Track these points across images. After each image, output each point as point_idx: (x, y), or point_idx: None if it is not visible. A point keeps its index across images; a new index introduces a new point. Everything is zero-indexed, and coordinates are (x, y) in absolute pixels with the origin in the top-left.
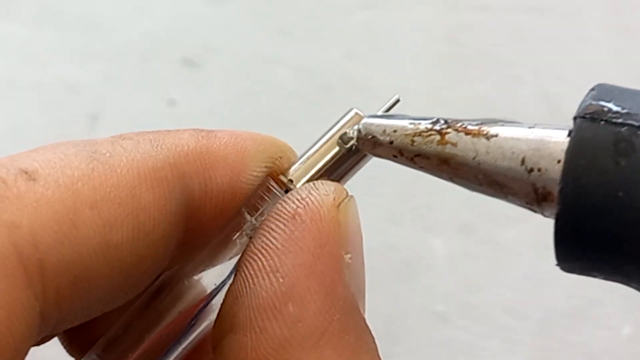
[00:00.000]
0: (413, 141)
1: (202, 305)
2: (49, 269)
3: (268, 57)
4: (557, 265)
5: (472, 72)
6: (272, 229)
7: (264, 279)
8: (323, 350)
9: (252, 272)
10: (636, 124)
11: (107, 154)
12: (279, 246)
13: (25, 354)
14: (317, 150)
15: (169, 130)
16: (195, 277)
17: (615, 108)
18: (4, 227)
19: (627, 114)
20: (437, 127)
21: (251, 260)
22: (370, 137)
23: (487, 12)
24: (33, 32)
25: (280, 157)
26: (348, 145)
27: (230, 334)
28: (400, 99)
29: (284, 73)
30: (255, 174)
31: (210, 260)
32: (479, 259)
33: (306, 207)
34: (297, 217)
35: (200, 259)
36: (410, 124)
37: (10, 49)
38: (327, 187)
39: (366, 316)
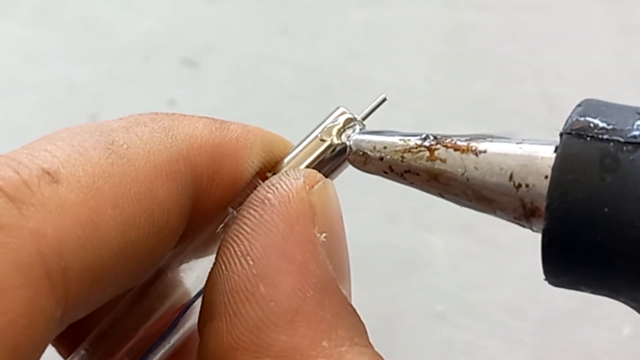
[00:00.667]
0: (403, 157)
1: (188, 300)
2: (72, 275)
3: (268, 57)
4: (545, 279)
5: (472, 71)
6: (244, 216)
7: (235, 264)
8: (297, 327)
9: (225, 258)
10: (621, 139)
11: (125, 146)
12: (249, 231)
13: (40, 356)
14: (304, 148)
15: (184, 116)
16: (182, 273)
17: (601, 124)
18: (29, 236)
19: (613, 129)
20: (426, 144)
21: (224, 248)
22: (361, 153)
23: (487, 11)
24: (33, 32)
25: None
26: (328, 143)
27: (208, 322)
28: (387, 97)
29: (284, 72)
30: (251, 170)
31: (196, 254)
32: (479, 258)
33: (275, 191)
34: (266, 201)
35: (187, 253)
36: (400, 140)
37: (10, 49)
38: (297, 172)
39: (365, 315)
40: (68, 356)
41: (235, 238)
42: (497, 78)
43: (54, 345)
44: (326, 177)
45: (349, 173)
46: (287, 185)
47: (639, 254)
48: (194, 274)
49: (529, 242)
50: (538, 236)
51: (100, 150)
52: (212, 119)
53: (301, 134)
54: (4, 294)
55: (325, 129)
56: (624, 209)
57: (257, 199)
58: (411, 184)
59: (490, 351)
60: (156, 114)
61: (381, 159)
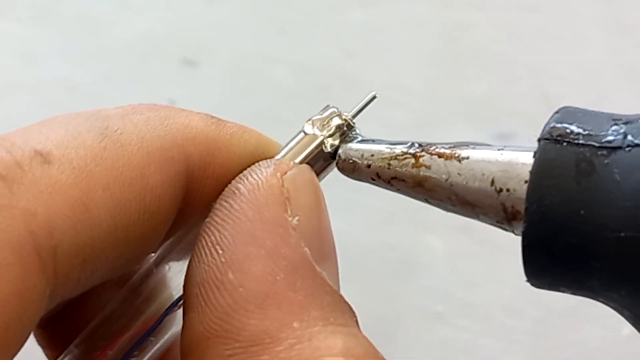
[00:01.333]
0: (389, 165)
1: (174, 299)
2: (62, 254)
3: (266, 57)
4: (527, 281)
5: (470, 70)
6: (216, 208)
7: (206, 254)
8: (267, 310)
9: (197, 251)
10: (596, 144)
11: (119, 131)
12: (219, 221)
13: (29, 334)
14: (293, 147)
15: (182, 109)
16: (172, 274)
17: (577, 130)
18: (20, 215)
19: (588, 135)
20: (411, 151)
21: (198, 241)
22: (350, 161)
23: (484, 10)
24: (32, 32)
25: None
26: (317, 143)
27: (185, 315)
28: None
29: (283, 72)
30: (242, 167)
31: (185, 254)
32: (477, 258)
33: (245, 181)
34: (236, 191)
35: (176, 251)
36: (387, 148)
37: (9, 49)
38: (269, 162)
39: (364, 315)
40: (55, 358)
41: (207, 230)
42: (495, 77)
43: (41, 346)
44: (317, 175)
45: None
46: (257, 174)
47: (614, 255)
48: (183, 275)
49: None
50: None
51: (94, 135)
52: (210, 115)
53: None
54: None
55: (316, 127)
56: (599, 211)
57: (228, 190)
58: (398, 190)
59: (488, 351)
60: (154, 104)
61: (369, 166)
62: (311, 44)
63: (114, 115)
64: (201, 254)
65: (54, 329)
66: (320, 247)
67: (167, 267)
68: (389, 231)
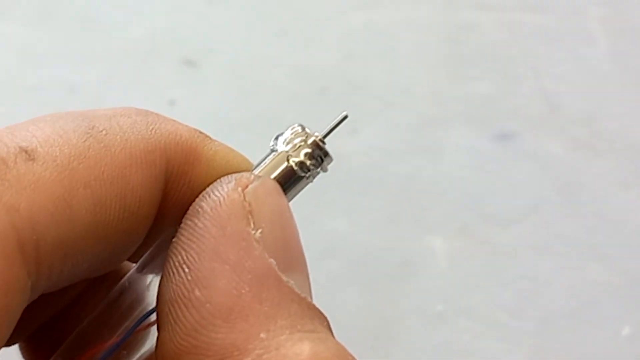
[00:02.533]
0: None
1: (145, 313)
2: (44, 248)
3: (267, 58)
4: None
5: (472, 71)
6: (182, 227)
7: (174, 274)
8: (234, 324)
9: (166, 271)
10: None
11: (104, 132)
12: (184, 240)
13: (14, 326)
14: (263, 166)
15: (171, 119)
16: (148, 290)
17: None
18: (3, 210)
19: None
20: None
21: (166, 261)
22: None
23: (486, 11)
24: (33, 32)
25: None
26: (285, 166)
27: (158, 334)
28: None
29: (283, 73)
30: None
31: (156, 261)
32: (478, 259)
33: (207, 198)
34: (199, 209)
35: (147, 259)
36: None
37: (10, 49)
38: (229, 177)
39: (365, 316)
40: None
41: (174, 249)
42: (497, 78)
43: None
44: (286, 191)
45: (349, 175)
46: (218, 190)
47: None
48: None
49: (527, 243)
50: (536, 237)
51: (79, 134)
52: (199, 130)
53: None
54: None
55: (284, 144)
56: None
57: (192, 209)
58: None
59: (489, 352)
60: (145, 110)
61: None
62: (312, 45)
63: (101, 116)
64: (169, 274)
65: (38, 343)
66: (286, 256)
67: (146, 283)
68: (390, 232)
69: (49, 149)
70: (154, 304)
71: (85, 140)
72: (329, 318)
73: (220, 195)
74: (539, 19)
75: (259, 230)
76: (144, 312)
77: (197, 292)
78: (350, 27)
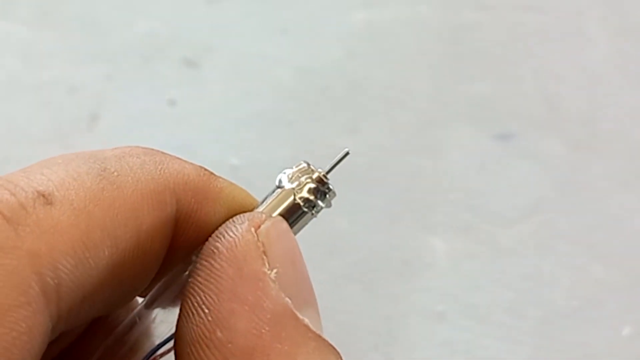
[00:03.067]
0: None
1: (153, 347)
2: (64, 291)
3: (268, 57)
4: None
5: (472, 71)
6: (198, 268)
7: (193, 314)
8: None
9: (185, 312)
10: None
11: (115, 173)
12: (202, 281)
13: None
14: (269, 202)
15: (176, 158)
16: (155, 324)
17: None
18: (26, 257)
19: None
20: None
21: (184, 302)
22: None
23: (486, 11)
24: (33, 32)
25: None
26: (290, 202)
27: None
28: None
29: (284, 73)
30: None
31: (168, 303)
32: (479, 259)
33: (222, 239)
34: (215, 250)
35: (160, 300)
36: None
37: (10, 49)
38: (241, 217)
39: (366, 316)
40: None
41: (192, 290)
42: (497, 78)
43: None
44: (292, 226)
45: (350, 175)
46: (232, 231)
47: None
48: (166, 326)
49: (528, 243)
50: (537, 237)
51: (92, 176)
52: (204, 167)
53: (301, 134)
54: (7, 313)
55: (289, 181)
56: None
57: (207, 249)
58: None
59: (490, 352)
60: (151, 149)
61: None
62: (313, 45)
63: (111, 157)
64: (189, 314)
65: None
66: (300, 294)
67: (152, 317)
68: (391, 232)
69: (65, 193)
70: (161, 338)
71: (99, 182)
72: (330, 317)
73: (235, 236)
74: (538, 19)
75: (274, 270)
76: (153, 347)
77: (219, 333)
78: (351, 26)
